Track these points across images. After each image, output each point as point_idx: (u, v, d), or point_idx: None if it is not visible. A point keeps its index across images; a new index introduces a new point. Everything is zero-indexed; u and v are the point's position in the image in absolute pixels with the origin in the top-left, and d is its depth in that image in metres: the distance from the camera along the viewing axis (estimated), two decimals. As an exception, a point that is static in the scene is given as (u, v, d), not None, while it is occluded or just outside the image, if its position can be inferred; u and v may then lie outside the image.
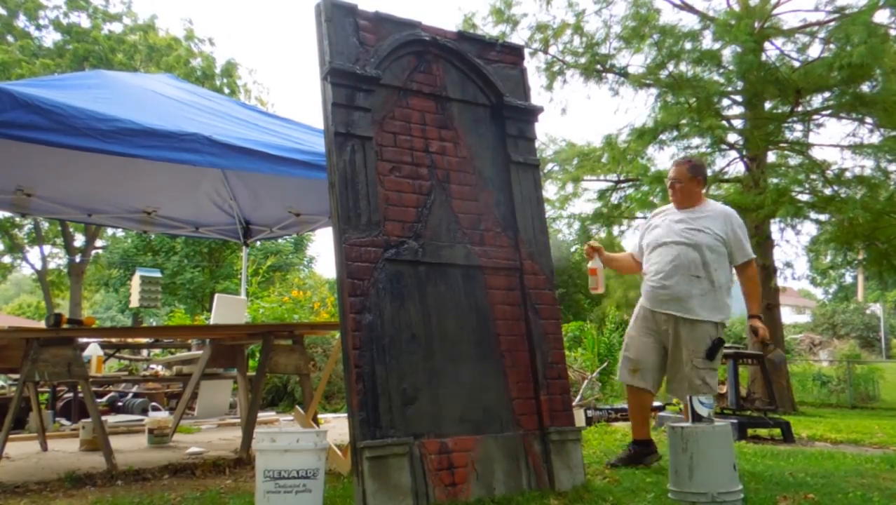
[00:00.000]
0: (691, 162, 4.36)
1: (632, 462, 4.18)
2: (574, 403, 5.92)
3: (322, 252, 32.50)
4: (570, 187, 12.34)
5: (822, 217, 10.75)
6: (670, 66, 10.54)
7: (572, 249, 21.53)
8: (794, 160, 11.49)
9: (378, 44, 3.58)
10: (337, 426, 6.27)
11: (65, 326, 4.83)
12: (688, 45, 10.29)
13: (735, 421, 6.44)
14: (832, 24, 9.93)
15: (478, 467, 3.32)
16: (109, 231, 22.53)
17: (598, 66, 11.48)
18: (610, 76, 11.62)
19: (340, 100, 3.41)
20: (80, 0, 21.68)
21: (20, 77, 16.90)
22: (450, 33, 3.89)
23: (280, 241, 21.22)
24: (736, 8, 10.73)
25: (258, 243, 17.81)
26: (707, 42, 10.38)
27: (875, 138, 10.53)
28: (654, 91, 10.70)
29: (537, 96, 12.02)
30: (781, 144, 11.08)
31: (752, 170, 11.01)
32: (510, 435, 3.46)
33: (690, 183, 4.27)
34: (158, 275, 9.41)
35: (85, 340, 6.23)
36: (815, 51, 10.28)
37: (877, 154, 10.46)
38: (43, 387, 6.76)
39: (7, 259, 25.31)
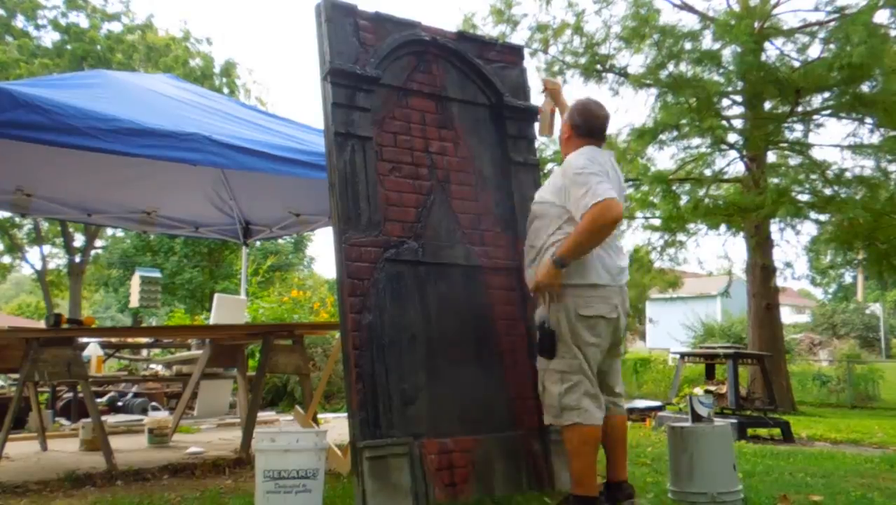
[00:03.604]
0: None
1: None
2: (574, 403, 5.92)
3: (322, 252, 32.55)
4: (569, 187, 12.31)
5: (822, 217, 10.74)
6: (670, 67, 10.53)
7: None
8: (794, 160, 11.49)
9: (378, 44, 3.58)
10: (337, 426, 6.27)
11: (64, 325, 4.83)
12: (688, 46, 10.28)
13: (735, 421, 6.44)
14: (832, 24, 9.92)
15: (478, 467, 3.32)
16: (109, 231, 22.52)
17: (598, 67, 11.48)
18: (610, 76, 11.62)
19: (340, 100, 3.41)
20: (79, 0, 21.67)
21: (19, 77, 16.90)
22: (449, 33, 3.89)
23: (280, 241, 21.22)
24: (736, 8, 10.72)
25: (258, 243, 17.81)
26: (707, 42, 10.37)
27: (875, 138, 10.52)
28: (654, 91, 10.69)
29: (537, 96, 12.00)
30: (781, 144, 11.07)
31: (752, 170, 11.01)
32: (510, 435, 3.46)
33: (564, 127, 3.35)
34: (158, 275, 9.39)
35: (85, 339, 6.23)
36: (815, 51, 10.28)
37: (877, 154, 10.45)
38: (43, 387, 6.75)
39: (7, 259, 25.31)
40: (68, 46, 20.66)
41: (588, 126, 3.24)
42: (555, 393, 3.04)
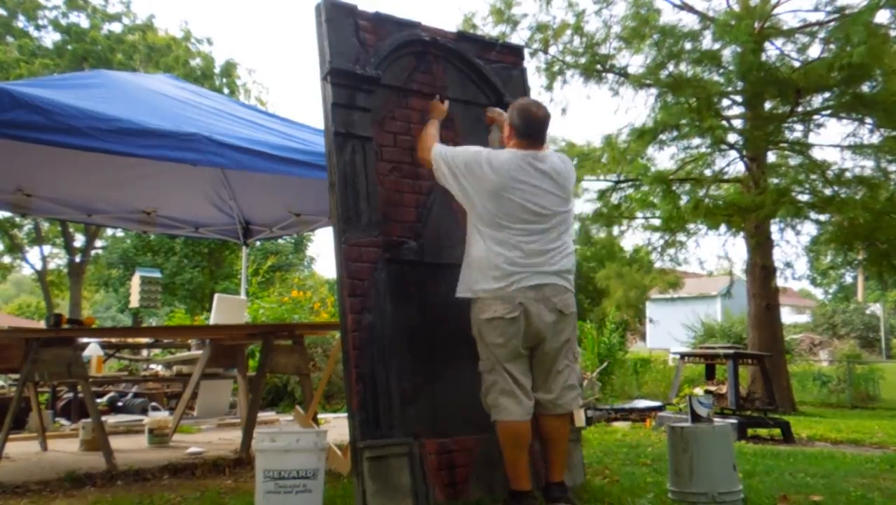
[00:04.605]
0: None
1: None
2: (574, 403, 5.92)
3: (322, 252, 32.54)
4: (570, 187, 12.31)
5: (823, 217, 10.74)
6: (670, 67, 10.53)
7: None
8: (794, 160, 11.48)
9: (378, 44, 3.58)
10: (337, 426, 6.27)
11: (65, 326, 4.83)
12: (688, 46, 10.28)
13: (735, 421, 6.45)
14: (832, 24, 9.92)
15: (478, 467, 3.32)
16: (109, 231, 22.53)
17: (598, 67, 11.48)
18: (610, 76, 11.61)
19: (340, 100, 3.41)
20: (79, 0, 21.68)
21: (20, 77, 16.91)
22: (450, 33, 3.89)
23: (280, 241, 21.21)
24: (736, 8, 10.71)
25: (258, 243, 17.81)
26: (707, 42, 10.38)
27: (875, 138, 10.52)
28: (654, 91, 10.68)
29: (537, 96, 12.00)
30: (781, 144, 11.07)
31: (752, 170, 11.00)
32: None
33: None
34: (158, 275, 9.39)
35: (85, 340, 6.22)
36: (815, 51, 10.27)
37: (877, 154, 10.45)
38: (43, 387, 6.75)
39: (7, 259, 25.33)
40: (69, 47, 20.67)
41: (526, 126, 3.24)
42: (482, 393, 3.16)
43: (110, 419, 6.54)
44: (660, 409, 7.99)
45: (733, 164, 11.88)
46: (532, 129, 3.23)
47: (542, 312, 3.06)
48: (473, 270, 3.14)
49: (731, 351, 7.53)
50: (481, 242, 3.11)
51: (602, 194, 12.04)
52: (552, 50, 11.83)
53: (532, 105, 3.29)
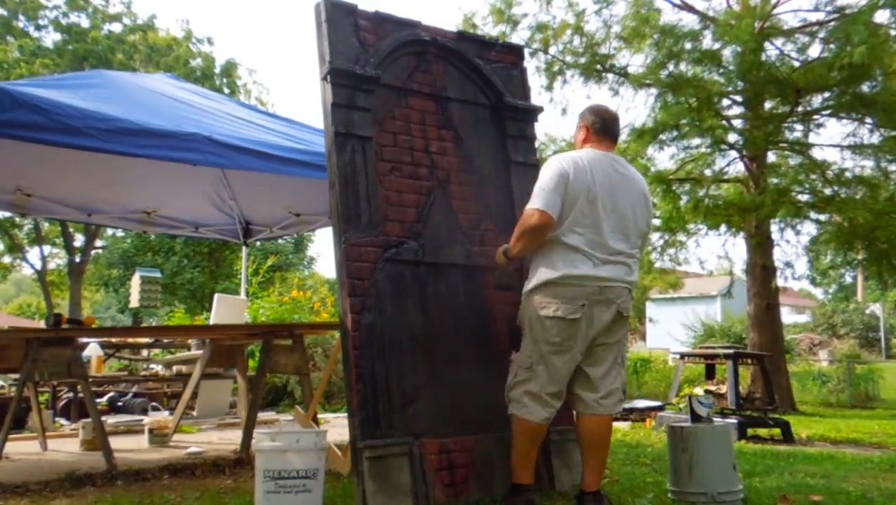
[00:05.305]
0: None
1: None
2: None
3: (322, 252, 32.59)
4: (570, 187, 12.29)
5: (823, 217, 10.73)
6: (670, 66, 10.52)
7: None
8: (794, 160, 11.47)
9: (378, 44, 3.58)
10: (337, 426, 6.27)
11: (65, 325, 4.83)
12: (688, 45, 10.27)
13: (735, 421, 6.45)
14: (832, 23, 9.91)
15: (478, 467, 3.32)
16: (109, 231, 22.54)
17: (598, 66, 11.47)
18: (610, 76, 11.61)
19: (340, 100, 3.41)
20: (80, 0, 21.69)
21: (20, 77, 16.92)
22: (450, 33, 3.90)
23: (280, 241, 21.20)
24: (736, 8, 10.71)
25: (258, 243, 17.81)
26: (707, 42, 10.36)
27: (875, 138, 10.51)
28: (654, 91, 10.66)
29: (537, 96, 12.01)
30: (781, 144, 11.06)
31: (752, 170, 10.99)
32: (510, 435, 3.45)
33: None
34: (158, 275, 9.38)
35: (85, 339, 6.23)
36: (815, 51, 10.26)
37: (877, 154, 10.44)
38: (43, 387, 6.75)
39: (7, 259, 25.35)
40: (69, 47, 20.68)
41: (603, 122, 3.29)
42: (508, 382, 3.18)
43: (110, 419, 6.54)
44: (660, 409, 7.99)
45: (733, 164, 11.87)
46: (608, 125, 3.29)
47: (603, 313, 3.04)
48: (541, 265, 3.08)
49: (731, 351, 7.53)
50: (552, 242, 3.06)
51: (602, 194, 12.01)
52: (552, 50, 11.83)
53: (604, 106, 3.41)
